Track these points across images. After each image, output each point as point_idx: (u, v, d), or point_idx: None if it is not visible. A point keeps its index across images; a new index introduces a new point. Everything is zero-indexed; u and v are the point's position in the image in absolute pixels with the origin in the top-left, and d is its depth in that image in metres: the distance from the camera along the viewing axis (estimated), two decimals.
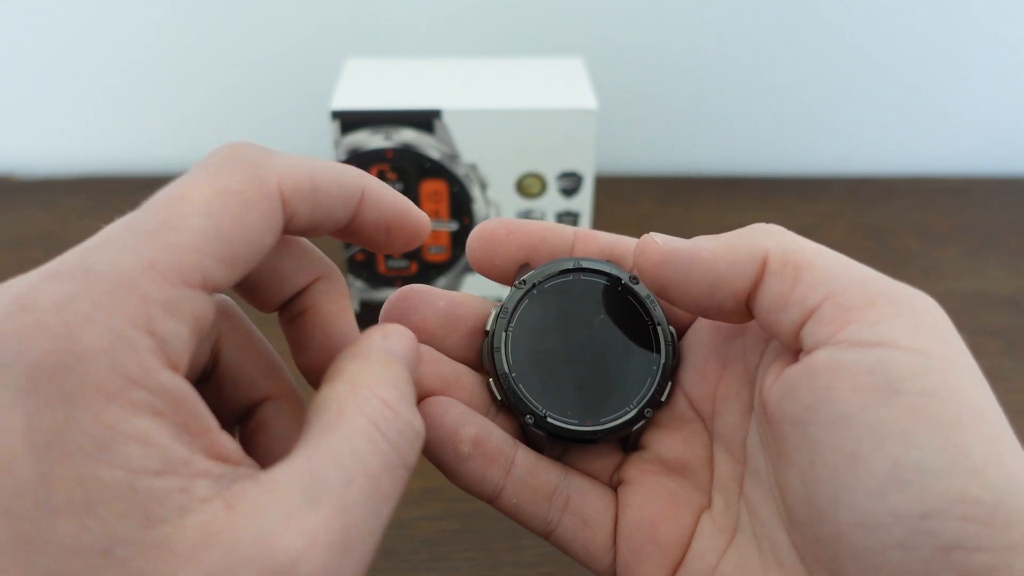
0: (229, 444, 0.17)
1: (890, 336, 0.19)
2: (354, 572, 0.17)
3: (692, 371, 0.25)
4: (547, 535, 0.24)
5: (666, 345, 0.25)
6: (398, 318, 0.24)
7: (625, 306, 0.25)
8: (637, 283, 0.25)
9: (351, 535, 0.16)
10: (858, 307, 0.19)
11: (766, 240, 0.21)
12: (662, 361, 0.25)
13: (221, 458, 0.17)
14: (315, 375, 0.23)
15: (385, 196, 0.22)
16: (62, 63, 0.64)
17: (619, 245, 0.26)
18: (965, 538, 0.17)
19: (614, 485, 0.25)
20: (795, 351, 0.21)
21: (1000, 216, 0.63)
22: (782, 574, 0.21)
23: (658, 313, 0.25)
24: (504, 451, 0.24)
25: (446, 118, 0.43)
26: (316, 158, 0.20)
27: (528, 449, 0.25)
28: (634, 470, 0.25)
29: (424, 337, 0.25)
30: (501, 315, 0.25)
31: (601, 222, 0.53)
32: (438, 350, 0.25)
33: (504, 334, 0.24)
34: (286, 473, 0.17)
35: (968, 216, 0.63)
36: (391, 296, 0.25)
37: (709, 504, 0.24)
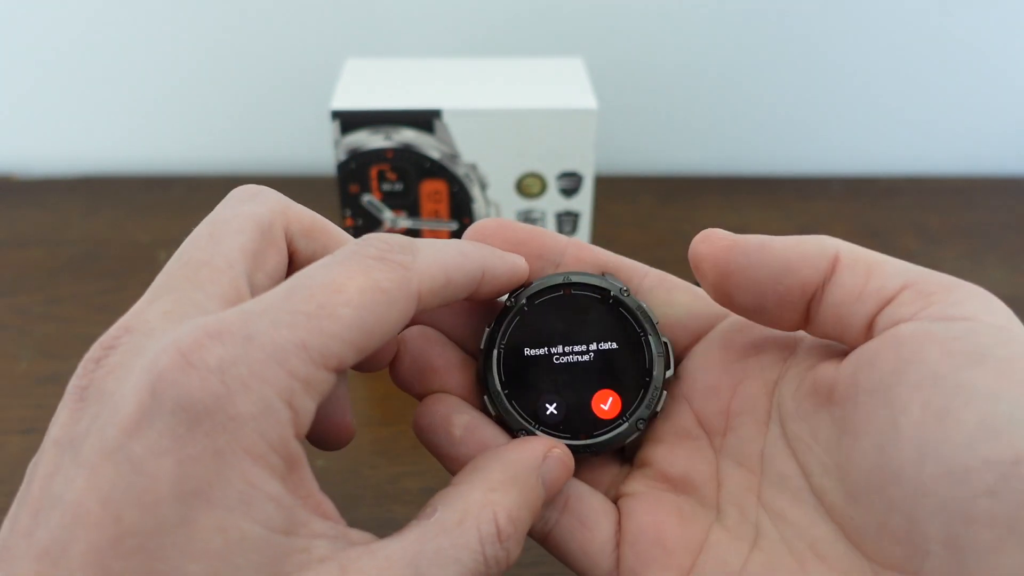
0: (329, 505, 0.19)
1: (972, 312, 0.20)
2: None
3: (702, 388, 0.25)
4: (544, 537, 0.25)
5: (658, 356, 0.25)
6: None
7: (616, 319, 0.25)
8: (628, 295, 0.25)
9: None
10: (937, 292, 0.20)
11: (834, 243, 0.22)
12: (654, 372, 0.25)
13: (327, 517, 0.19)
14: (312, 436, 0.25)
15: (499, 269, 0.24)
16: (62, 63, 0.64)
17: (612, 262, 0.26)
18: None
19: (613, 499, 0.25)
20: (860, 341, 0.22)
21: (1000, 216, 0.63)
22: (824, 566, 0.21)
23: (649, 325, 0.25)
24: (498, 442, 0.24)
25: (446, 118, 0.43)
26: (448, 247, 0.22)
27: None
28: (638, 484, 0.25)
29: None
30: (493, 333, 0.25)
31: (601, 222, 0.53)
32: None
33: (495, 351, 0.25)
34: (397, 553, 0.19)
35: (968, 216, 0.63)
36: (472, 226, 0.26)
37: (718, 518, 0.24)
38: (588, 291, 0.25)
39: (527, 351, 0.25)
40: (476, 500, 0.20)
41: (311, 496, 0.18)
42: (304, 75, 0.65)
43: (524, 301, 0.25)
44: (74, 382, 0.19)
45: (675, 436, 0.25)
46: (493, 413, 0.25)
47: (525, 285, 0.25)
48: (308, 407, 0.18)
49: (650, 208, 0.63)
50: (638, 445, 0.25)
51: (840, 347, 0.23)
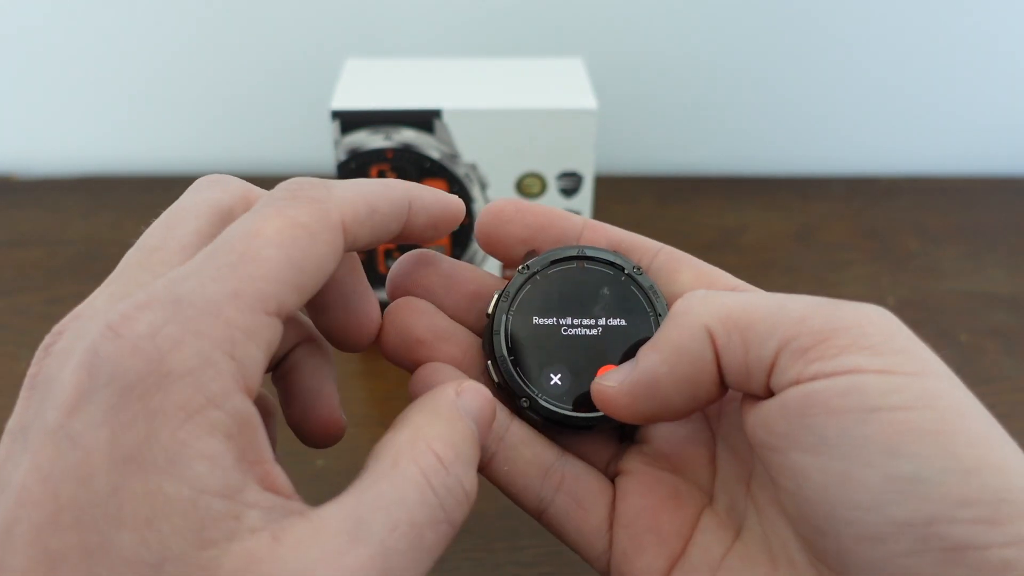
0: (281, 476, 0.18)
1: (853, 364, 0.19)
2: None
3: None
4: (540, 514, 0.24)
5: None
6: (403, 277, 0.26)
7: (628, 296, 0.25)
8: (641, 273, 0.25)
9: None
10: (812, 347, 0.19)
11: (701, 317, 0.21)
12: None
13: (273, 489, 0.17)
14: (301, 432, 0.25)
15: (427, 199, 0.23)
16: (62, 63, 0.64)
17: (626, 240, 0.26)
18: (974, 538, 0.17)
19: (610, 475, 0.25)
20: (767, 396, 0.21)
21: (1000, 216, 0.63)
22: (793, 571, 0.21)
23: (661, 305, 0.25)
24: (499, 419, 0.24)
25: (446, 118, 0.43)
26: (367, 181, 0.22)
27: (525, 424, 0.25)
28: (635, 461, 0.25)
29: (425, 295, 0.26)
30: (503, 299, 0.25)
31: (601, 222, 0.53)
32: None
33: (505, 317, 0.25)
34: (333, 513, 0.17)
35: (968, 216, 0.63)
36: (399, 259, 0.26)
37: (711, 502, 0.24)
38: (601, 266, 0.25)
39: (535, 319, 0.25)
40: (405, 440, 0.20)
41: (260, 463, 0.17)
42: (304, 75, 0.65)
43: (536, 270, 0.25)
44: (29, 372, 0.19)
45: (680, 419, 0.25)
46: (496, 379, 0.24)
47: (538, 253, 0.25)
48: (254, 356, 0.18)
49: (650, 208, 0.63)
50: (636, 426, 0.25)
51: None
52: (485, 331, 0.25)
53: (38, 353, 0.19)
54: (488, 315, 0.25)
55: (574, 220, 0.26)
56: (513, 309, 0.25)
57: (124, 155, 0.68)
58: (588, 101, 0.44)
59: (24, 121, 0.67)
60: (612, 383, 0.22)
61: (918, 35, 0.64)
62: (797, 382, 0.19)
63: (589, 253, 0.25)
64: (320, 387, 0.25)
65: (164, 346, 0.17)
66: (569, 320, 0.25)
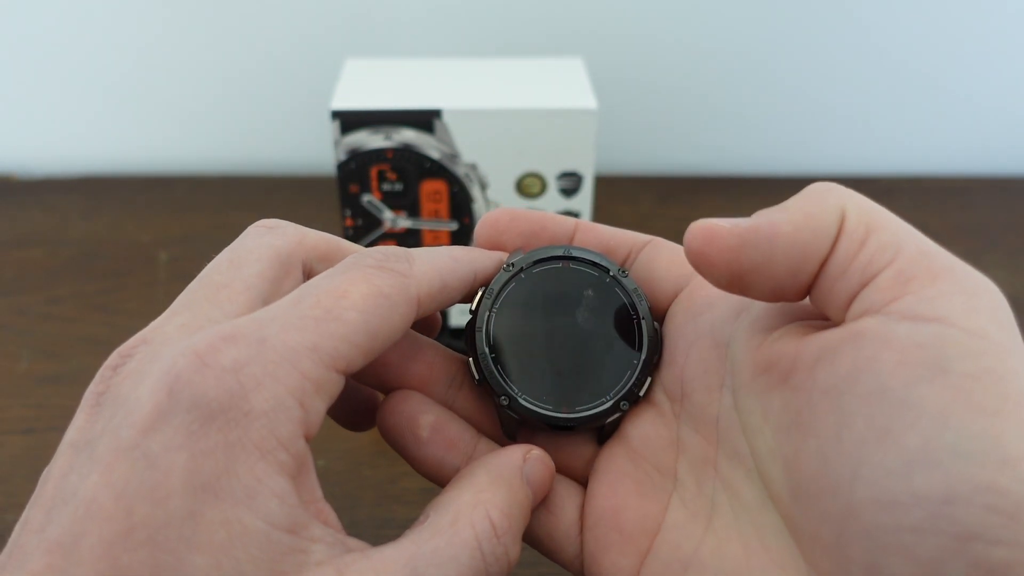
0: (331, 513, 0.19)
1: (947, 312, 0.18)
2: None
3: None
4: None
5: (648, 340, 0.25)
6: (489, 235, 0.27)
7: (611, 298, 0.25)
8: (626, 275, 0.25)
9: None
10: (919, 278, 0.18)
11: (839, 199, 0.20)
12: (643, 356, 0.24)
13: (327, 524, 0.19)
14: (346, 421, 0.26)
15: (491, 272, 0.25)
16: (62, 63, 0.64)
17: (616, 237, 0.27)
18: (986, 528, 0.16)
19: (584, 479, 0.25)
20: (839, 320, 0.20)
21: (1000, 216, 0.63)
22: (767, 557, 0.21)
23: (643, 307, 0.25)
24: (464, 438, 0.25)
25: (446, 118, 0.43)
26: (441, 255, 0.23)
27: (490, 442, 0.25)
28: (602, 457, 0.25)
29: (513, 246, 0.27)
30: (486, 296, 0.25)
31: (601, 222, 0.53)
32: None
33: (487, 315, 0.25)
34: (393, 557, 0.19)
35: (968, 216, 0.63)
36: (483, 217, 0.27)
37: (676, 488, 0.24)
38: (586, 266, 0.25)
39: (519, 318, 0.25)
40: (467, 501, 0.21)
41: (315, 501, 0.19)
42: (304, 75, 0.65)
43: (521, 268, 0.25)
44: (91, 389, 0.20)
45: (642, 403, 0.25)
46: (477, 376, 0.24)
47: (523, 252, 0.25)
48: (318, 407, 0.19)
49: (650, 208, 0.63)
50: (616, 425, 0.25)
51: (791, 311, 0.22)
52: (467, 327, 0.25)
53: (103, 372, 0.20)
54: (471, 312, 0.25)
55: (566, 223, 0.27)
56: (496, 307, 0.25)
57: (124, 155, 0.68)
58: (588, 101, 0.44)
59: (24, 121, 0.67)
60: (726, 223, 0.21)
61: (918, 35, 0.64)
62: (882, 312, 0.19)
63: (575, 253, 0.25)
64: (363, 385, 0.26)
65: (247, 384, 0.18)
66: (552, 320, 0.25)
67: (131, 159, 0.68)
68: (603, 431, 0.25)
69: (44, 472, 0.19)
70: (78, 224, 0.61)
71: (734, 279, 0.21)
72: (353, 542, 0.19)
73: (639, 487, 0.24)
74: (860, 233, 0.20)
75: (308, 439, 0.19)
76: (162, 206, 0.63)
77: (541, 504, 0.25)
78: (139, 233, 0.59)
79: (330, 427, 0.43)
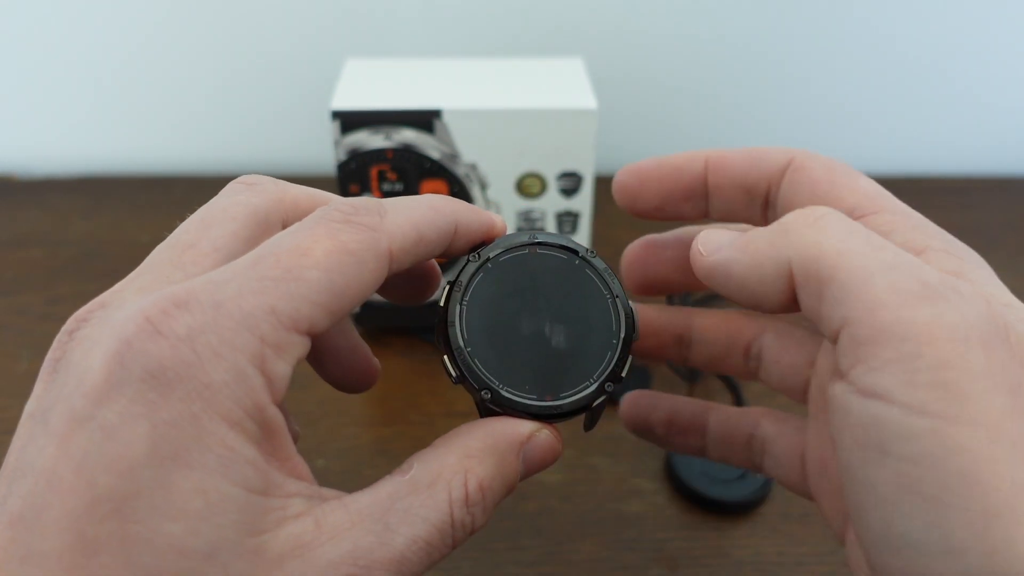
0: (303, 466, 0.19)
1: (885, 388, 0.18)
2: None
3: (785, 364, 0.27)
4: (759, 469, 0.28)
5: (626, 318, 0.24)
6: (636, 261, 0.29)
7: (583, 280, 0.25)
8: (595, 256, 0.25)
9: (404, 571, 0.19)
10: (866, 343, 0.18)
11: (787, 250, 0.20)
12: (622, 335, 0.24)
13: (301, 478, 0.19)
14: (342, 384, 0.26)
15: (472, 223, 0.24)
16: (62, 63, 0.64)
17: (757, 163, 0.25)
18: None
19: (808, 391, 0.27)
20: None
21: (1000, 216, 0.63)
22: None
23: (616, 286, 0.24)
24: (695, 422, 0.28)
25: (446, 118, 0.43)
26: (417, 205, 0.22)
27: (718, 408, 0.28)
28: (812, 402, 0.26)
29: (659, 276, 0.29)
30: (455, 288, 0.24)
31: (601, 222, 0.53)
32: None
33: (458, 307, 0.24)
34: (368, 507, 0.19)
35: (968, 216, 0.63)
36: (631, 247, 0.29)
37: None
38: (554, 250, 0.25)
39: (491, 309, 0.24)
40: (451, 464, 0.21)
41: (288, 459, 0.19)
42: (304, 75, 0.65)
43: (488, 257, 0.24)
44: (48, 355, 0.19)
45: (829, 346, 0.25)
46: (454, 373, 0.23)
47: (488, 243, 0.25)
48: (282, 371, 0.18)
49: None
50: (603, 408, 0.25)
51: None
52: (438, 323, 0.24)
53: (60, 337, 0.19)
54: (440, 306, 0.24)
55: (697, 159, 0.26)
56: (466, 299, 0.24)
57: (124, 155, 0.68)
58: (588, 101, 0.44)
59: (24, 121, 0.67)
60: (705, 247, 0.23)
61: (918, 36, 0.64)
62: (845, 379, 0.19)
63: (541, 239, 0.25)
64: (351, 343, 0.26)
65: (204, 354, 0.17)
66: (525, 307, 0.24)
67: (131, 159, 0.68)
68: (592, 416, 0.25)
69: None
70: (78, 224, 0.61)
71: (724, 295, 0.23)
72: (328, 492, 0.19)
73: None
74: (813, 286, 0.19)
75: (276, 402, 0.18)
76: (162, 206, 0.63)
77: (772, 460, 0.27)
78: (139, 233, 0.59)
79: (330, 427, 0.43)
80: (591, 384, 0.24)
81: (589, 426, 0.25)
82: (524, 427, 0.22)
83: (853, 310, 0.18)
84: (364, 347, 0.26)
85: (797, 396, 0.27)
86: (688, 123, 0.68)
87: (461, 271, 0.24)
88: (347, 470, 0.41)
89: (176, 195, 0.64)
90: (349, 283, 0.19)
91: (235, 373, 0.17)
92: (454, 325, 0.23)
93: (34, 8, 0.62)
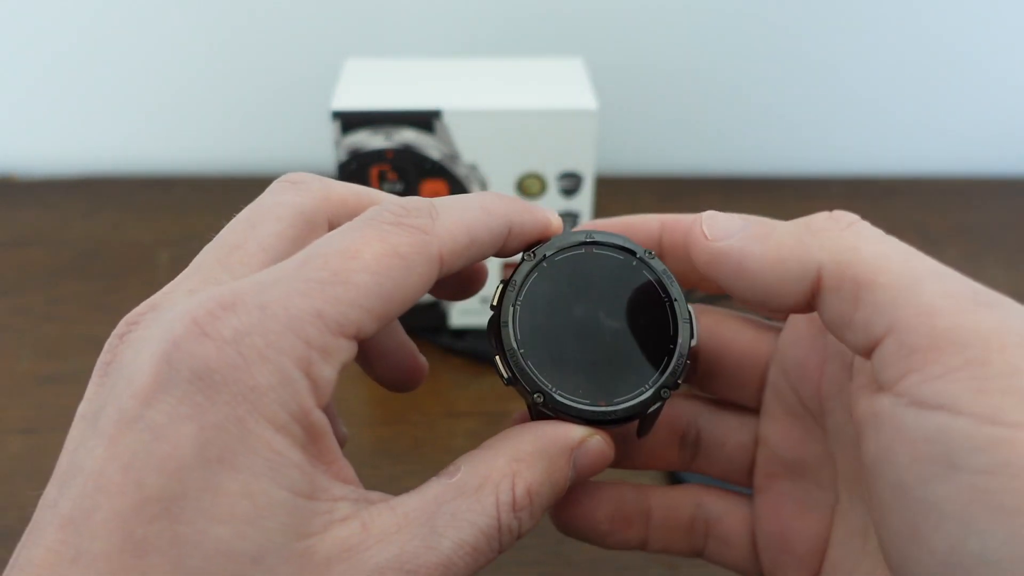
0: (349, 470, 0.19)
1: (952, 397, 0.16)
2: None
3: (793, 364, 0.24)
4: (696, 554, 0.26)
5: (683, 323, 0.23)
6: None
7: (640, 282, 0.24)
8: (653, 258, 0.24)
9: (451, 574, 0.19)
10: (921, 351, 0.17)
11: (818, 251, 0.20)
12: (679, 340, 0.23)
13: (346, 481, 0.19)
14: (391, 383, 0.26)
15: (527, 224, 0.23)
16: (62, 63, 0.64)
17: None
18: None
19: (750, 487, 0.26)
20: (867, 355, 0.19)
21: (1000, 216, 0.63)
22: None
23: (675, 290, 0.24)
24: (639, 509, 0.26)
25: (446, 118, 0.43)
26: (471, 205, 0.21)
27: (659, 491, 0.26)
28: (760, 476, 0.25)
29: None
30: (509, 288, 0.23)
31: None
32: None
33: (512, 308, 0.23)
34: (416, 511, 0.19)
35: (968, 216, 0.63)
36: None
37: (837, 500, 0.24)
38: (611, 251, 0.24)
39: (545, 310, 0.23)
40: (499, 467, 0.20)
41: (334, 463, 0.19)
42: (304, 75, 0.65)
43: (544, 257, 0.24)
44: (100, 359, 0.19)
45: (784, 413, 0.25)
46: (506, 375, 0.23)
47: (544, 241, 0.24)
48: (327, 376, 0.18)
49: (650, 208, 0.63)
50: (657, 415, 0.24)
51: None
52: (490, 324, 0.24)
53: (111, 340, 0.19)
54: (492, 307, 0.24)
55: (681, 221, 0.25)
56: (520, 299, 0.23)
57: (124, 155, 0.68)
58: (588, 101, 0.44)
59: (24, 121, 0.67)
60: (710, 230, 0.21)
61: (917, 36, 0.64)
62: (894, 390, 0.18)
63: (598, 238, 0.24)
64: (398, 342, 0.26)
65: (249, 356, 0.17)
66: (580, 309, 0.23)
67: (131, 159, 0.68)
68: (644, 423, 0.24)
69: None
70: (78, 224, 0.60)
71: (707, 281, 0.22)
72: (375, 495, 0.19)
73: (801, 506, 0.24)
74: (848, 291, 0.19)
75: (321, 406, 0.18)
76: (162, 206, 0.63)
77: (718, 540, 0.25)
78: (139, 233, 0.59)
79: None
80: (647, 390, 0.23)
81: (642, 433, 0.25)
82: (575, 432, 0.22)
83: (902, 316, 0.17)
84: (411, 346, 0.26)
85: (742, 478, 0.26)
86: (688, 123, 0.68)
87: (516, 270, 0.23)
88: None
89: (176, 195, 0.64)
90: (398, 287, 0.19)
91: (280, 377, 0.17)
92: (507, 326, 0.23)
93: (34, 8, 0.62)
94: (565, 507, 0.25)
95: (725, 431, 0.26)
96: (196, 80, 0.65)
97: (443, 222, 0.20)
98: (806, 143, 0.69)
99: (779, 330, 0.25)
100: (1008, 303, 0.18)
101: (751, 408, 0.26)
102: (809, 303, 0.20)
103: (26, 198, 0.64)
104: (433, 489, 0.20)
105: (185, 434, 0.17)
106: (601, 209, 0.52)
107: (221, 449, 0.17)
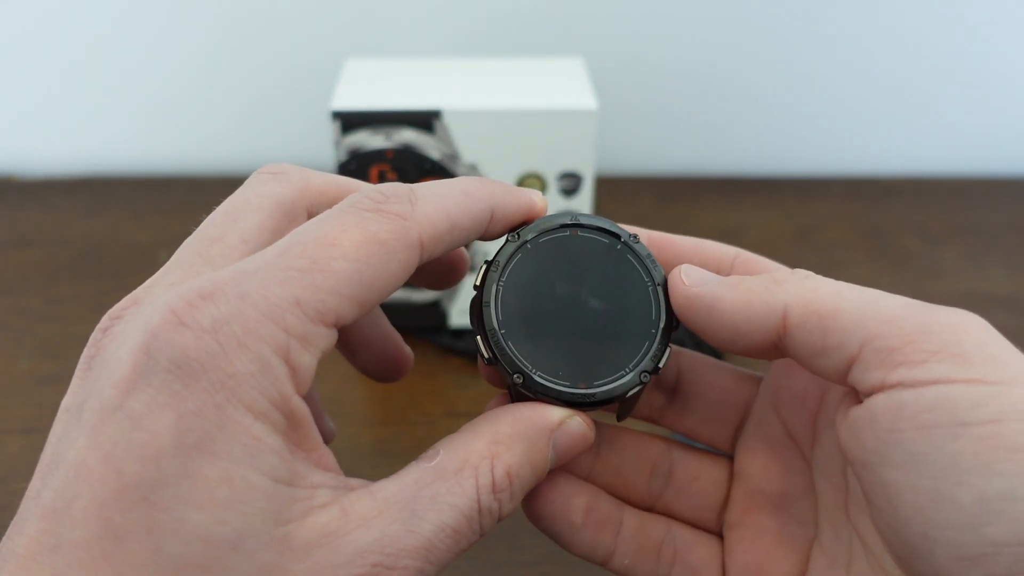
0: (330, 457, 0.19)
1: (940, 372, 0.18)
2: None
3: (789, 397, 0.25)
4: None
5: (667, 307, 0.23)
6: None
7: (624, 265, 0.24)
8: (638, 242, 0.24)
9: (432, 558, 0.19)
10: (899, 348, 0.19)
11: (784, 294, 0.21)
12: (661, 324, 0.23)
13: (327, 469, 0.19)
14: (375, 374, 0.26)
15: (510, 206, 0.23)
16: (62, 63, 0.64)
17: (702, 246, 0.26)
18: None
19: (719, 529, 0.26)
20: (852, 392, 0.20)
21: (1000, 216, 0.63)
22: None
23: (658, 274, 0.24)
24: (613, 515, 0.25)
25: (446, 118, 0.43)
26: (451, 190, 0.21)
27: (633, 509, 0.26)
28: (735, 510, 0.25)
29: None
30: (492, 268, 0.23)
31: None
32: None
33: (495, 288, 0.23)
34: (396, 495, 0.19)
35: (968, 216, 0.63)
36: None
37: (817, 535, 0.24)
38: (596, 233, 0.24)
39: (528, 291, 0.23)
40: (478, 450, 0.20)
41: (314, 450, 0.19)
42: (304, 75, 0.65)
43: (528, 238, 0.24)
44: (84, 352, 0.20)
45: (767, 447, 0.25)
46: (487, 355, 0.23)
47: (528, 223, 0.24)
48: (306, 363, 0.18)
49: (650, 208, 0.63)
50: (637, 399, 0.24)
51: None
52: (473, 303, 0.23)
53: (95, 335, 0.20)
54: (476, 287, 0.23)
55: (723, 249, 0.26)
56: (503, 280, 0.23)
57: (124, 155, 0.68)
58: (588, 101, 0.44)
59: (24, 121, 0.67)
60: (687, 278, 0.23)
61: (917, 35, 0.64)
62: (883, 387, 0.19)
63: (583, 220, 0.24)
64: (382, 333, 0.26)
65: (228, 344, 0.17)
66: (563, 291, 0.23)
67: (131, 159, 0.68)
68: (623, 407, 0.24)
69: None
70: (78, 224, 0.60)
71: (687, 326, 0.23)
72: (355, 481, 0.19)
73: (779, 539, 0.24)
74: (814, 323, 0.20)
75: (301, 393, 0.18)
76: (162, 206, 0.63)
77: (685, 569, 0.25)
78: (139, 233, 0.59)
79: None
80: (627, 373, 0.23)
81: (621, 416, 0.25)
82: (555, 413, 0.22)
83: (871, 328, 0.19)
84: (395, 336, 0.26)
85: (711, 517, 0.26)
86: (688, 123, 0.68)
87: (499, 251, 0.23)
88: (347, 470, 0.40)
89: (176, 195, 0.64)
90: (378, 274, 0.19)
91: (259, 364, 0.17)
92: (489, 306, 0.23)
93: (34, 8, 0.62)
94: (541, 491, 0.25)
95: (699, 465, 0.26)
96: (196, 80, 0.65)
97: (423, 207, 0.20)
98: (806, 143, 0.69)
99: (760, 378, 0.26)
100: (957, 308, 0.20)
101: (724, 451, 0.27)
102: (775, 344, 0.21)
103: (26, 198, 0.64)
104: (413, 473, 0.20)
105: (163, 422, 0.17)
106: (601, 209, 0.52)
107: (199, 436, 0.17)
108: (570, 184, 0.45)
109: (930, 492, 0.18)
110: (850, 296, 0.20)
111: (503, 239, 0.24)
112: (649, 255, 0.24)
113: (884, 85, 0.66)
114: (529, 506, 0.25)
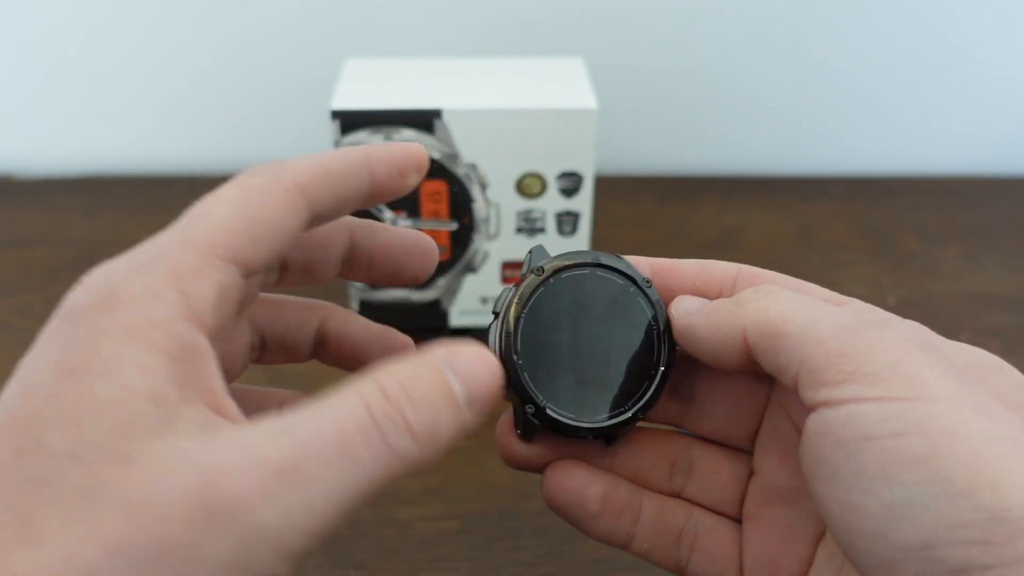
0: (231, 406, 0.18)
1: (853, 392, 0.20)
2: (299, 514, 0.16)
3: (796, 399, 0.25)
4: (681, 572, 0.27)
5: (669, 353, 0.25)
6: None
7: (635, 308, 0.25)
8: (650, 287, 0.25)
9: (301, 471, 0.16)
10: (823, 369, 0.20)
11: (742, 316, 0.23)
12: (662, 368, 0.25)
13: (219, 413, 0.18)
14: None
15: (384, 150, 0.23)
16: (63, 63, 0.64)
17: (708, 271, 0.27)
18: (971, 560, 0.17)
19: (740, 517, 0.27)
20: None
21: (1000, 216, 0.63)
22: None
23: (666, 321, 0.25)
24: (631, 502, 0.26)
25: (446, 118, 0.43)
26: (326, 151, 0.23)
27: (653, 495, 0.27)
28: (751, 503, 0.26)
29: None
30: (517, 300, 0.25)
31: (601, 222, 0.53)
32: None
33: (519, 320, 0.25)
34: (265, 426, 0.17)
35: (968, 216, 0.63)
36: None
37: (823, 530, 0.25)
38: (614, 275, 0.25)
39: (547, 325, 0.25)
40: (358, 376, 0.18)
41: (210, 392, 0.18)
42: (304, 75, 0.65)
43: (551, 273, 0.25)
44: None
45: (779, 445, 0.26)
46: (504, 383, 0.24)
47: (546, 256, 0.26)
48: (203, 292, 0.18)
49: (650, 208, 0.63)
50: (624, 431, 0.26)
51: None
52: (496, 329, 0.25)
53: None
54: (495, 312, 0.25)
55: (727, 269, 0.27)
56: (526, 311, 0.25)
57: (124, 155, 0.68)
58: (588, 101, 0.44)
59: (24, 121, 0.67)
60: (677, 311, 0.25)
61: (917, 36, 0.64)
62: (814, 406, 0.21)
63: (603, 260, 0.25)
64: (365, 334, 0.27)
65: (116, 281, 0.18)
66: (578, 327, 0.25)
67: (131, 159, 0.68)
68: (611, 438, 0.26)
69: None
70: (78, 224, 0.60)
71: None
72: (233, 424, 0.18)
73: (789, 532, 0.25)
74: (767, 343, 0.22)
75: (200, 326, 0.18)
76: (162, 206, 0.62)
77: (705, 555, 0.26)
78: (139, 233, 0.59)
79: None
80: (626, 411, 0.25)
81: (608, 442, 0.26)
82: (443, 345, 0.19)
83: (806, 349, 0.21)
84: (388, 333, 0.27)
85: (731, 509, 0.27)
86: (688, 123, 0.68)
87: (523, 283, 0.25)
88: None
89: (176, 195, 0.64)
90: (259, 212, 0.20)
91: (145, 290, 0.18)
92: (511, 336, 0.24)
93: (34, 8, 0.62)
94: (558, 476, 0.26)
95: (720, 460, 0.27)
96: (196, 80, 0.65)
97: (293, 161, 0.22)
98: (806, 143, 0.69)
99: (773, 381, 0.27)
100: (895, 321, 0.22)
101: (744, 448, 0.28)
102: (750, 359, 0.23)
103: (26, 198, 0.64)
104: (285, 411, 0.18)
105: (47, 360, 0.17)
106: (601, 209, 0.52)
107: (72, 362, 0.17)
108: (570, 184, 0.45)
109: (846, 504, 0.20)
110: (796, 317, 0.22)
111: (527, 273, 0.25)
112: (659, 301, 0.26)
113: (884, 85, 0.66)
114: (547, 487, 0.26)
